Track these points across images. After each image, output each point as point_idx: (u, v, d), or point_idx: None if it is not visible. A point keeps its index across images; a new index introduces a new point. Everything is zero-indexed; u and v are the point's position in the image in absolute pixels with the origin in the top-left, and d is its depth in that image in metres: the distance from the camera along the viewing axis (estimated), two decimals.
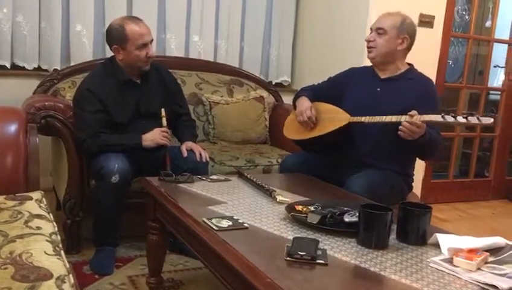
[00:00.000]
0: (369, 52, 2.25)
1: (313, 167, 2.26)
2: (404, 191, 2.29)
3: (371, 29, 2.27)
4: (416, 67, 2.33)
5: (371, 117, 2.11)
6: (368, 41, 2.24)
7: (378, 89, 2.24)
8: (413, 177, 2.36)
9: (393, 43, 2.20)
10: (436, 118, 1.90)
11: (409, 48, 2.25)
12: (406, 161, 2.27)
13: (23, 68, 3.11)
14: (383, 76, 2.27)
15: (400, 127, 1.97)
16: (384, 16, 2.24)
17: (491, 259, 1.28)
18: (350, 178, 2.10)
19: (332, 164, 2.30)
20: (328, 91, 2.41)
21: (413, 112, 1.94)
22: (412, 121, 1.93)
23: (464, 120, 1.82)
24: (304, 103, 2.36)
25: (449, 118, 1.86)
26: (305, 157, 2.36)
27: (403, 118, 1.97)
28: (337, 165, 2.28)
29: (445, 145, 2.14)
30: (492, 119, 1.78)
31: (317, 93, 2.42)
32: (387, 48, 2.20)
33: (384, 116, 2.04)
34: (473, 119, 1.81)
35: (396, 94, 2.09)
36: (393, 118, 2.01)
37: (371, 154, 2.20)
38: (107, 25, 2.48)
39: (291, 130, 2.45)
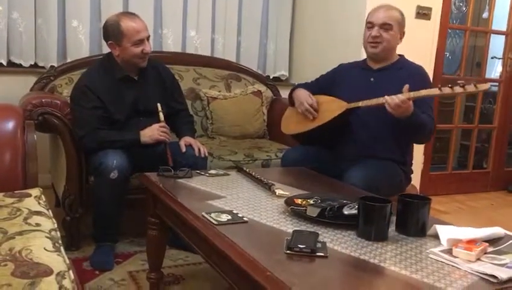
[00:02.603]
0: (374, 47, 2.22)
1: (314, 159, 2.26)
2: (403, 183, 2.30)
3: (371, 23, 2.23)
4: (413, 59, 2.34)
5: (367, 101, 2.12)
6: (374, 37, 2.21)
7: (372, 79, 2.26)
8: (412, 168, 2.36)
9: (396, 38, 2.24)
10: (434, 91, 1.92)
11: None
12: (404, 149, 2.28)
13: (20, 65, 3.10)
14: (375, 67, 2.29)
15: (387, 100, 1.98)
16: (386, 11, 2.22)
17: (490, 249, 1.29)
18: (349, 171, 2.11)
19: (333, 156, 2.31)
20: (319, 89, 2.43)
21: (406, 86, 1.95)
22: (399, 98, 1.94)
23: (461, 89, 1.83)
24: (302, 93, 2.38)
25: (446, 89, 1.88)
26: (306, 150, 2.35)
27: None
28: (337, 157, 2.29)
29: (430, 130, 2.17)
30: (488, 84, 1.82)
31: (311, 89, 2.43)
32: (392, 43, 2.23)
33: (381, 98, 2.03)
34: (470, 87, 1.82)
35: (390, 83, 2.10)
36: (387, 98, 2.00)
37: (369, 145, 2.22)
38: (103, 21, 2.47)
39: (290, 125, 2.46)
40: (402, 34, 2.25)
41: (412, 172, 2.37)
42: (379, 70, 2.28)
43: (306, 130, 2.32)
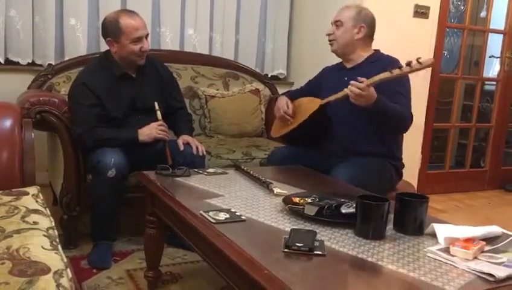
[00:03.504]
0: (330, 45, 2.34)
1: (300, 158, 2.29)
2: (394, 178, 2.31)
3: (331, 23, 2.34)
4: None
5: (335, 94, 2.18)
6: (328, 35, 2.33)
7: (346, 78, 2.27)
8: (402, 162, 2.37)
9: (350, 33, 2.28)
10: (386, 74, 1.97)
11: (370, 36, 2.32)
12: (389, 143, 2.28)
13: (17, 63, 3.09)
14: (349, 66, 2.35)
15: (347, 91, 2.03)
16: (342, 9, 2.34)
17: (487, 248, 1.29)
18: (334, 169, 2.14)
19: (319, 154, 2.34)
20: (307, 93, 2.47)
21: (362, 79, 1.99)
22: (353, 83, 1.98)
23: (408, 68, 1.91)
24: (280, 101, 2.47)
25: (395, 71, 1.94)
26: (292, 150, 2.40)
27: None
28: (323, 155, 2.32)
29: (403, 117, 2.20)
30: (432, 59, 1.88)
31: (297, 95, 2.50)
32: (345, 38, 2.29)
33: (345, 89, 2.06)
34: (415, 65, 1.90)
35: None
36: (346, 89, 2.04)
37: (352, 141, 2.26)
38: (101, 19, 2.47)
39: (276, 129, 2.54)
40: (360, 29, 2.26)
41: (403, 166, 2.37)
42: (352, 68, 2.32)
43: (288, 130, 2.39)
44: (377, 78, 1.98)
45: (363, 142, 2.24)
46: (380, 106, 2.04)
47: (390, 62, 2.23)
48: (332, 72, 2.44)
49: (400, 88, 2.14)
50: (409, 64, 1.89)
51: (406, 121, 2.20)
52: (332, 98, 2.21)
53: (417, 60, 1.88)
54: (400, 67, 1.93)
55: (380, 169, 2.22)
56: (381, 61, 2.26)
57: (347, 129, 2.27)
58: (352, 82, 1.99)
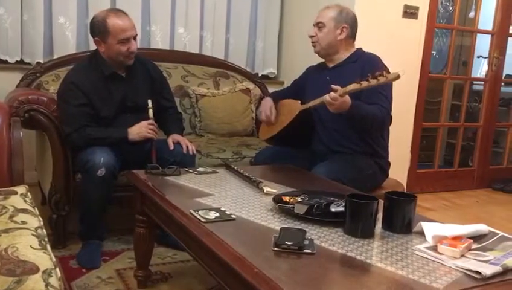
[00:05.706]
0: (313, 46, 2.35)
1: (283, 158, 2.31)
2: (377, 175, 2.32)
3: (313, 25, 2.35)
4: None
5: (314, 100, 2.20)
6: (311, 36, 2.34)
7: (328, 78, 2.31)
8: (388, 160, 2.38)
9: (332, 34, 2.29)
10: (355, 86, 1.99)
11: (352, 36, 2.33)
12: (371, 141, 2.29)
13: (6, 62, 3.07)
14: (331, 65, 2.37)
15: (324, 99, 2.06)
16: (323, 10, 2.34)
17: (474, 246, 1.30)
18: (313, 169, 2.16)
19: (302, 154, 2.37)
20: (292, 94, 2.50)
21: (336, 87, 2.01)
22: (331, 96, 2.00)
23: (375, 80, 1.93)
24: (265, 103, 2.50)
25: (364, 83, 1.96)
26: (275, 151, 2.43)
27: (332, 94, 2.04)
28: (306, 155, 2.36)
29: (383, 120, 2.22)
30: (397, 73, 1.88)
31: (282, 96, 2.52)
32: (327, 39, 2.30)
33: (323, 97, 2.08)
34: (382, 78, 1.92)
35: (343, 78, 2.13)
36: (326, 96, 2.05)
37: (333, 140, 2.29)
38: (90, 17, 2.46)
39: (263, 131, 2.57)
40: (342, 29, 2.27)
41: (389, 165, 2.39)
42: (334, 68, 2.35)
43: (272, 134, 2.42)
44: (348, 88, 1.99)
45: (344, 141, 2.26)
46: (355, 111, 2.06)
47: (368, 61, 2.26)
48: (315, 72, 2.46)
49: (380, 89, 2.16)
50: (375, 77, 1.91)
51: (383, 122, 2.22)
52: (310, 104, 2.24)
53: (385, 74, 1.90)
54: (367, 79, 1.94)
55: (361, 166, 2.23)
56: (361, 60, 2.28)
57: (329, 129, 2.29)
58: (329, 94, 2.01)
